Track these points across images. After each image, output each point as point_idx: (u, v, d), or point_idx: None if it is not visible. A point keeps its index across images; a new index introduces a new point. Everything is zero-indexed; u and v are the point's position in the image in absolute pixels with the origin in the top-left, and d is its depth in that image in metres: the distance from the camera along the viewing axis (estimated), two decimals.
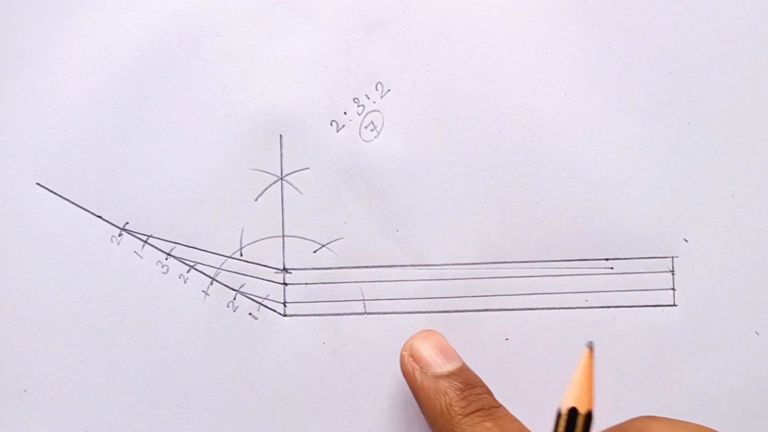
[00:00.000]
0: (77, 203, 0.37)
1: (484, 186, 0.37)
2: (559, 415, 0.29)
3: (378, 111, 0.37)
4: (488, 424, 0.32)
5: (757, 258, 0.37)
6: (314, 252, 0.37)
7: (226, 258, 0.37)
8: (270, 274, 0.37)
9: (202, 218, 0.37)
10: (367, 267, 0.37)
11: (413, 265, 0.37)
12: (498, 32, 0.37)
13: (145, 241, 0.37)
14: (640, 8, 0.37)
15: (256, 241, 0.37)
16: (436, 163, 0.37)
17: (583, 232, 0.37)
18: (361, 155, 0.37)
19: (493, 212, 0.37)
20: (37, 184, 0.37)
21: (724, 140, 0.37)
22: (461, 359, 0.34)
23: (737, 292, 0.37)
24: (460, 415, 0.32)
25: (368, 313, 0.37)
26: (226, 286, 0.37)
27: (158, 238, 0.37)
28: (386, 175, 0.37)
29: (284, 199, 0.37)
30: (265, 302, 0.37)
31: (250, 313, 0.37)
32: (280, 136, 0.37)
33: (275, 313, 0.37)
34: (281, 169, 0.37)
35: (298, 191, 0.37)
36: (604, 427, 0.31)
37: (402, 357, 0.35)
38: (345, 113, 0.37)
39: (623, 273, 0.37)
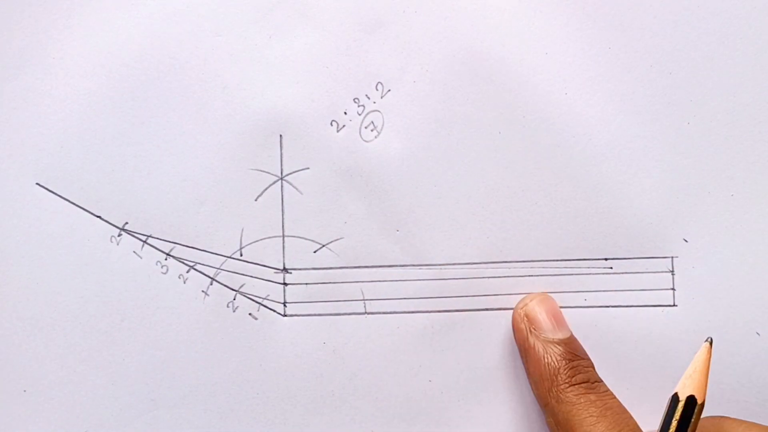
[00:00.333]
0: (77, 203, 0.37)
1: (484, 186, 0.37)
2: (674, 401, 0.30)
3: (378, 111, 0.37)
4: (592, 397, 0.33)
5: (757, 258, 0.37)
6: (314, 252, 0.37)
7: (225, 258, 0.37)
8: (270, 274, 0.37)
9: (201, 218, 0.37)
10: (367, 267, 0.37)
11: (413, 265, 0.37)
12: (498, 32, 0.37)
13: (145, 241, 0.37)
14: (640, 8, 0.37)
15: (256, 241, 0.37)
16: (436, 163, 0.37)
17: (583, 232, 0.37)
18: (362, 155, 0.37)
19: (493, 212, 0.37)
20: (37, 184, 0.37)
21: (724, 140, 0.37)
22: (570, 329, 0.36)
23: (737, 292, 0.37)
24: (566, 383, 0.33)
25: (368, 313, 0.37)
26: (225, 286, 0.37)
27: (158, 238, 0.37)
28: (386, 175, 0.37)
29: (284, 199, 0.37)
30: (265, 302, 0.37)
31: (250, 313, 0.37)
32: (280, 136, 0.37)
33: (275, 313, 0.37)
34: (281, 169, 0.37)
35: (298, 191, 0.37)
36: None
37: (516, 313, 0.36)
38: (345, 113, 0.37)
39: (623, 273, 0.37)
